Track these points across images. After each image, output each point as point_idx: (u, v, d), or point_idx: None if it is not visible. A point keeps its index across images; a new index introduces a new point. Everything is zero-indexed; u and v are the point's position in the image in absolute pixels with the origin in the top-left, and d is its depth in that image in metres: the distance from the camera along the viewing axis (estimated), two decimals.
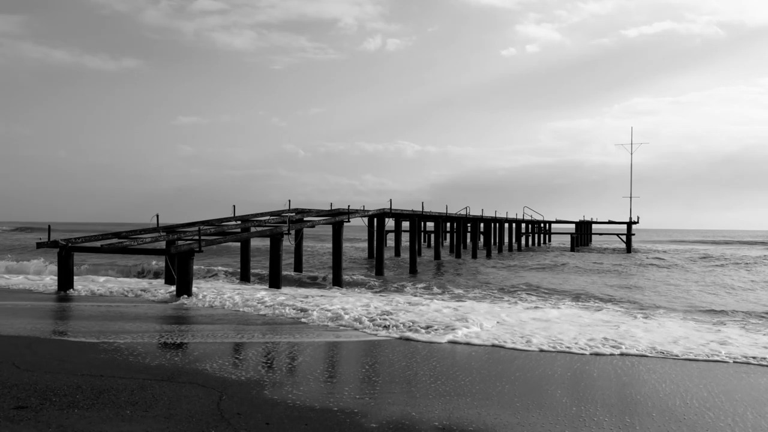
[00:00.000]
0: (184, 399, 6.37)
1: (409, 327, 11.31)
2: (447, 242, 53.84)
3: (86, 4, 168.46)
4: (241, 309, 13.74)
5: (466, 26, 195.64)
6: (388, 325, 11.44)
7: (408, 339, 10.33)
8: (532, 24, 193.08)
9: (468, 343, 9.98)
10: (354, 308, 13.90)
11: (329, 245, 33.65)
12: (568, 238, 59.13)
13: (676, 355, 9.26)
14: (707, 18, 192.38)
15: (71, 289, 16.99)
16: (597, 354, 9.34)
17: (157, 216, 18.76)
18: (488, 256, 40.32)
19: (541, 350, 9.54)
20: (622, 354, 9.36)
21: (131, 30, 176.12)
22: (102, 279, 21.67)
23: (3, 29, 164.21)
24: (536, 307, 14.93)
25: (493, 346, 9.84)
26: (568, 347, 9.68)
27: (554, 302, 16.23)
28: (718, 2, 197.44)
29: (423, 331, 10.94)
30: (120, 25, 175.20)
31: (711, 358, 9.10)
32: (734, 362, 8.92)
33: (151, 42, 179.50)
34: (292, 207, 22.93)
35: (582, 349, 9.62)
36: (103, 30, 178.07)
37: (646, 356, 9.25)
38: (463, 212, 36.83)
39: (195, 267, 18.55)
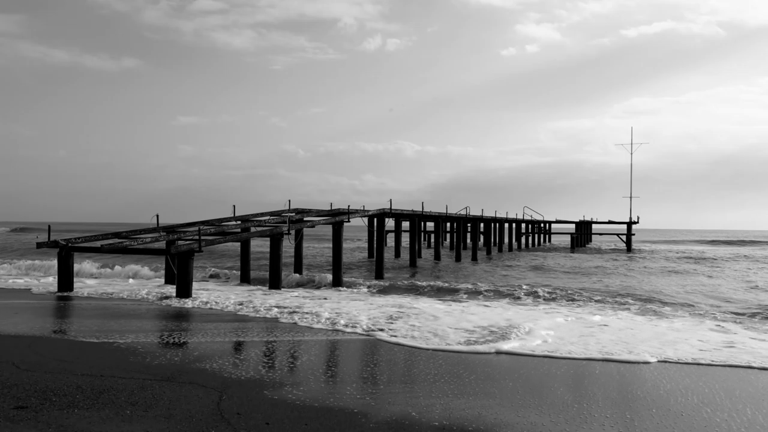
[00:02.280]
0: (184, 399, 6.37)
1: (417, 332, 11.31)
2: (447, 242, 53.84)
3: (85, 4, 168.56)
4: (240, 310, 13.73)
5: (466, 26, 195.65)
6: (392, 329, 11.45)
7: (415, 347, 10.29)
8: (532, 24, 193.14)
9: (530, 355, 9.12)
10: (354, 310, 13.92)
11: (329, 245, 33.64)
12: (567, 237, 59.13)
13: None
14: (707, 18, 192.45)
15: (71, 290, 16.99)
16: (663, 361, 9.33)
17: (157, 216, 18.77)
18: (488, 254, 40.49)
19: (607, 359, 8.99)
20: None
21: (131, 29, 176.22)
22: (102, 279, 21.68)
23: (2, 29, 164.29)
24: (535, 310, 14.88)
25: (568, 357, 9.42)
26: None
27: (579, 303, 15.99)
28: (718, 2, 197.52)
29: (432, 337, 10.91)
30: (119, 24, 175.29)
31: None
32: None
33: (151, 42, 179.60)
34: (292, 207, 22.92)
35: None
36: (103, 29, 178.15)
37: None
38: (463, 212, 36.82)
39: (195, 268, 18.54)
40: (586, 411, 6.28)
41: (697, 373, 8.13)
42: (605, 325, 12.08)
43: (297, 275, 21.69)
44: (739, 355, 9.30)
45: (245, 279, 20.89)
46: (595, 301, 16.57)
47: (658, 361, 8.82)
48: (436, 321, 12.21)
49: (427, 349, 9.44)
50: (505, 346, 9.63)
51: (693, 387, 7.35)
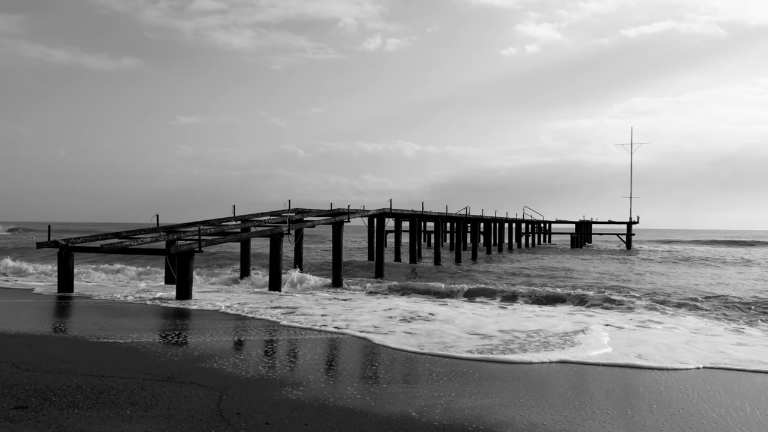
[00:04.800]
0: (184, 399, 6.36)
1: (443, 341, 11.27)
2: (447, 242, 53.82)
3: (85, 4, 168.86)
4: (240, 310, 13.72)
5: (466, 26, 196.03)
6: (393, 331, 11.42)
7: (445, 356, 10.24)
8: (532, 23, 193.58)
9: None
10: (355, 311, 13.90)
11: (329, 246, 33.58)
12: (567, 237, 59.11)
13: None
14: (707, 18, 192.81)
15: (71, 290, 16.97)
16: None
17: (157, 216, 18.76)
18: (488, 254, 40.58)
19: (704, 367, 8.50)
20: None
21: (130, 29, 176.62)
22: (102, 279, 21.66)
23: (2, 29, 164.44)
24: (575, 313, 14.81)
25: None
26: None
27: (592, 304, 15.78)
28: (718, 2, 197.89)
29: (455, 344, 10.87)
30: (119, 24, 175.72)
31: None
32: None
33: (151, 42, 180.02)
34: (292, 207, 22.91)
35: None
36: (103, 29, 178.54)
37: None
38: (463, 212, 36.80)
39: (194, 268, 18.52)
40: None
41: None
42: (645, 327, 11.76)
43: (297, 275, 21.65)
44: None
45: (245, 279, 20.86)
46: (613, 300, 16.12)
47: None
48: (446, 323, 12.07)
49: (448, 357, 9.41)
50: (560, 355, 8.96)
51: None
